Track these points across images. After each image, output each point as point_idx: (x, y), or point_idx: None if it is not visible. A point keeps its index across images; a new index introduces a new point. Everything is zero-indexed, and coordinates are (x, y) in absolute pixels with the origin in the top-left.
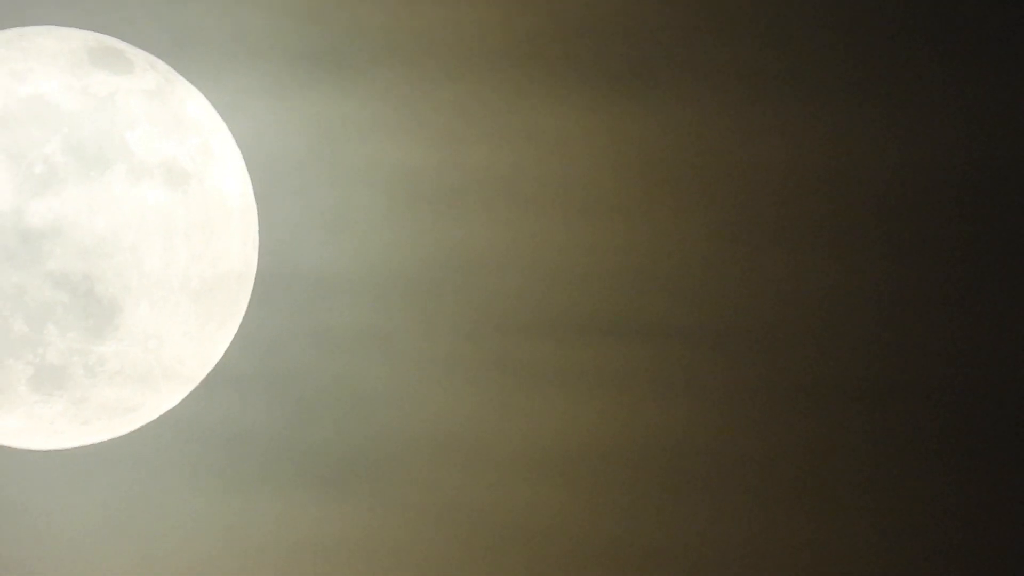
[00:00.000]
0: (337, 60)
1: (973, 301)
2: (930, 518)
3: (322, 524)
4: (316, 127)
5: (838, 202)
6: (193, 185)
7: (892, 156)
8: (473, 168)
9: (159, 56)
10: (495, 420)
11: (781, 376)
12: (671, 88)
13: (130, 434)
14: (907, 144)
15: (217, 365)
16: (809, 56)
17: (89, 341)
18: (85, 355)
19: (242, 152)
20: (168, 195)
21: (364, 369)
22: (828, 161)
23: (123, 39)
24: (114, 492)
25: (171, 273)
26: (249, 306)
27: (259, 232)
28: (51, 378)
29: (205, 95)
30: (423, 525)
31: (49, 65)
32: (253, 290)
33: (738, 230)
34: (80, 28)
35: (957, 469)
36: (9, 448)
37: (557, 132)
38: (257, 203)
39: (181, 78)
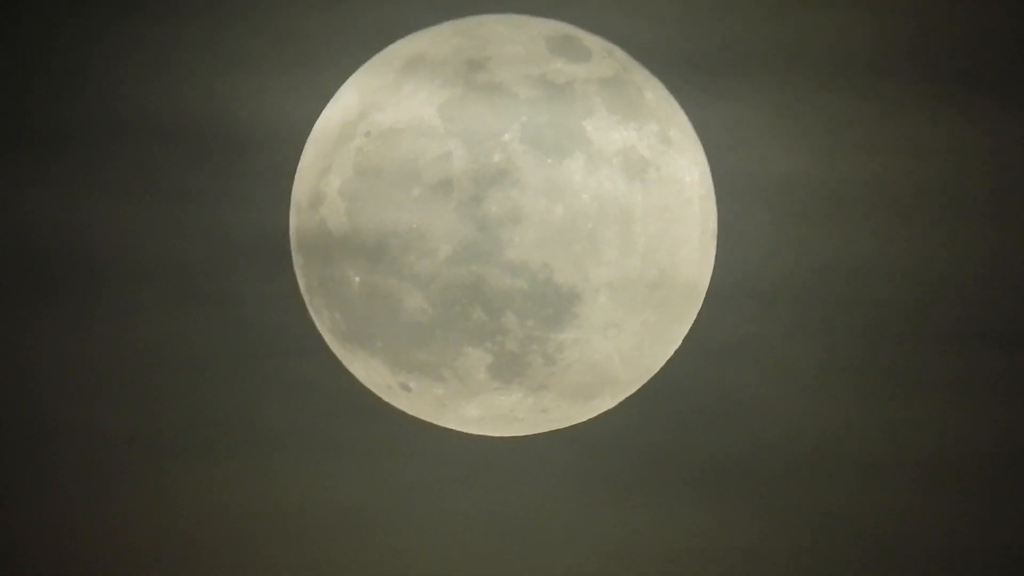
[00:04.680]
0: (714, 68)
1: None
2: None
3: (700, 530)
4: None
5: None
6: (651, 173)
7: None
8: (850, 177)
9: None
10: (874, 428)
11: None
12: None
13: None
14: None
15: None
16: None
17: (548, 329)
18: (544, 343)
19: None
20: (626, 183)
21: (743, 378)
22: None
23: (581, 26)
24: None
25: (629, 262)
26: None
27: None
28: (510, 366)
29: None
30: (801, 531)
31: (507, 53)
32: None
33: None
34: (537, 15)
35: None
36: (468, 435)
37: (936, 140)
38: None
39: (639, 65)
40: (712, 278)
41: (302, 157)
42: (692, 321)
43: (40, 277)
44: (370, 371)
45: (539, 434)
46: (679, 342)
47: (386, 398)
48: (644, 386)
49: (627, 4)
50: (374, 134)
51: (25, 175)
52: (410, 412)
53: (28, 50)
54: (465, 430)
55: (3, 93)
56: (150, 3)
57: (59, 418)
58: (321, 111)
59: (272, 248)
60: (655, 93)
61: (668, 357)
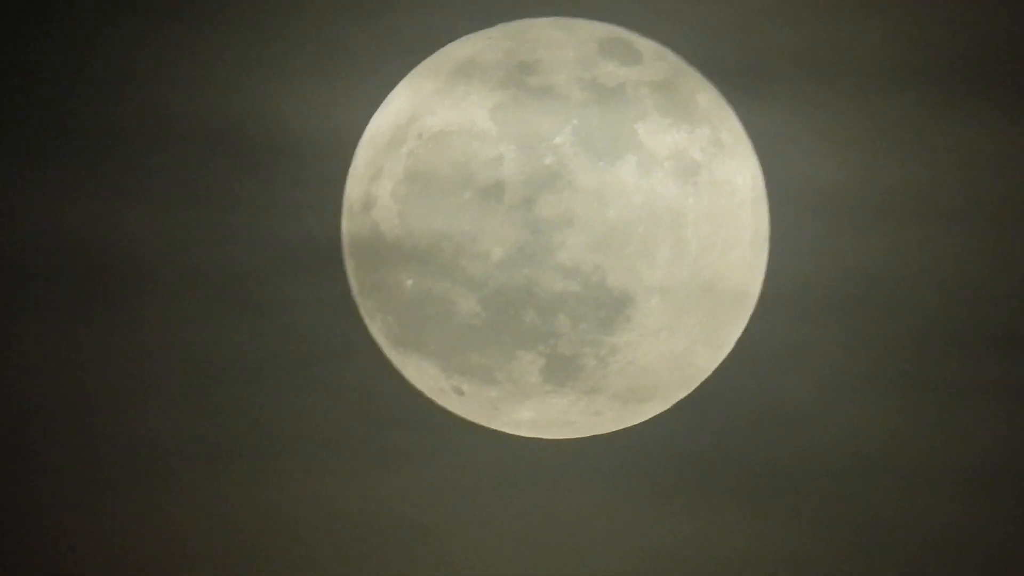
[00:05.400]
0: (766, 72)
1: None
2: None
3: (744, 538)
4: None
5: None
6: (703, 176)
7: None
8: (902, 183)
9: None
10: (917, 434)
11: None
12: None
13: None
14: None
15: None
16: None
17: (601, 332)
18: (596, 346)
19: None
20: (678, 187)
21: (792, 384)
22: None
23: (632, 29)
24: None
25: (681, 265)
26: None
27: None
28: (563, 368)
29: None
30: (848, 541)
31: (558, 56)
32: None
33: None
34: (589, 19)
35: None
36: (521, 438)
37: (978, 146)
38: None
39: (691, 68)
40: (762, 283)
41: (354, 161)
42: (744, 326)
43: (87, 284)
44: (423, 374)
45: (590, 437)
46: (731, 346)
47: (439, 401)
48: (695, 390)
49: (679, 7)
50: (426, 137)
51: (71, 182)
52: (463, 415)
53: (73, 55)
54: (518, 433)
55: (49, 99)
56: (197, 9)
57: (108, 426)
58: (368, 117)
59: (321, 253)
60: (707, 96)
61: (720, 361)
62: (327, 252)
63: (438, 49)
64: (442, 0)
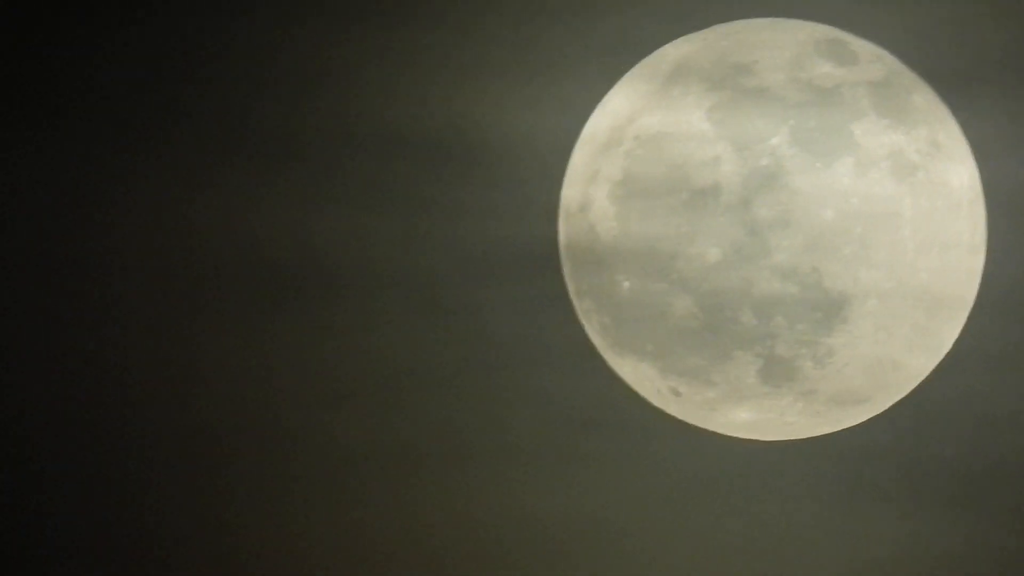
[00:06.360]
0: (984, 75)
1: None
2: None
3: (959, 542)
4: None
5: None
6: (920, 176)
7: None
8: None
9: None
10: None
11: None
12: None
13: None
14: None
15: None
16: None
17: (818, 333)
18: (814, 347)
19: None
20: (895, 187)
21: (1001, 388)
22: None
23: (848, 30)
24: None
25: (899, 265)
26: None
27: None
28: (780, 370)
29: None
30: None
31: (775, 57)
32: None
33: None
34: (804, 20)
35: None
36: (737, 439)
37: None
38: None
39: (907, 69)
40: (979, 286)
41: (570, 162)
42: (960, 328)
43: (280, 287)
44: (639, 375)
45: (806, 439)
46: (948, 347)
47: (655, 402)
48: (909, 393)
49: (894, 9)
50: (643, 139)
51: (313, 188)
52: (680, 416)
53: (263, 57)
54: (735, 434)
55: (241, 103)
56: (393, 10)
57: (303, 432)
58: (583, 120)
59: (535, 256)
60: (923, 97)
61: (937, 363)
62: (541, 254)
63: (653, 51)
64: (657, 3)
